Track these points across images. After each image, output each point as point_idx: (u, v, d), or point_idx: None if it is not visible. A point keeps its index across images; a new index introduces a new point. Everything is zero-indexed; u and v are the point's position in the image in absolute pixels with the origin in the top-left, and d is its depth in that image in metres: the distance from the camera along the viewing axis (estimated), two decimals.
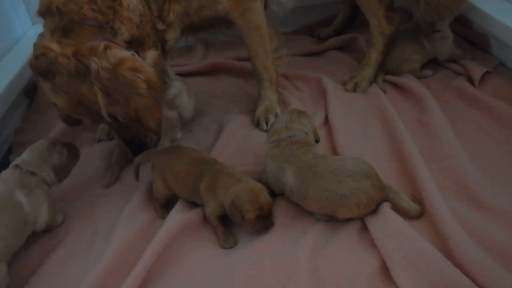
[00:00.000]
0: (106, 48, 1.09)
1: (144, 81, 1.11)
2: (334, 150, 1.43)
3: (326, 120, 1.57)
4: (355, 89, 1.73)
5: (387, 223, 1.09)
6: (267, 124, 1.56)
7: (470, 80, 1.65)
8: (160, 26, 1.31)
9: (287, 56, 1.67)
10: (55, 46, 1.10)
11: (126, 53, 1.12)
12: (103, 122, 1.27)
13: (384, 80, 1.77)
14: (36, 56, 1.12)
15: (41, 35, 1.16)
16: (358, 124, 1.53)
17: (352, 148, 1.39)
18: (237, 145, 1.48)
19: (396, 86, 1.73)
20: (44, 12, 1.15)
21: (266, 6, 1.61)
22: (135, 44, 1.21)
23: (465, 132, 1.45)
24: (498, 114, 1.48)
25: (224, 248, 1.14)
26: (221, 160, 1.31)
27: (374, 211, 1.13)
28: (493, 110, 1.50)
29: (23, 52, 1.82)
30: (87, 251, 1.18)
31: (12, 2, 1.92)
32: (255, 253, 1.10)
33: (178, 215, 1.20)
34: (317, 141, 1.26)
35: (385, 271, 1.03)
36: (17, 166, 1.20)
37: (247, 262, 1.08)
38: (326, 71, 1.85)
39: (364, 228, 1.14)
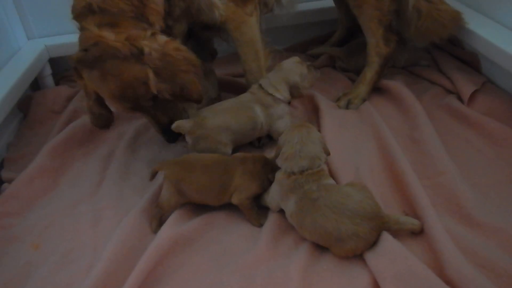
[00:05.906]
0: (153, 34, 1.26)
1: (185, 59, 1.28)
2: (327, 166, 1.43)
3: None
4: (347, 106, 1.74)
5: (378, 242, 1.08)
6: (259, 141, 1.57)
7: (461, 98, 1.67)
8: (169, 22, 1.41)
9: None
10: (108, 35, 1.21)
11: (168, 37, 1.28)
12: (142, 109, 1.33)
13: (379, 89, 1.79)
14: (85, 49, 1.21)
15: (85, 32, 1.24)
16: (351, 140, 1.54)
17: (345, 165, 1.39)
18: None
19: (389, 102, 1.75)
20: (84, 12, 1.25)
21: (270, 10, 1.68)
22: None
23: (456, 149, 1.46)
24: (488, 131, 1.50)
25: (260, 226, 1.23)
26: None
27: None
28: (483, 128, 1.51)
29: (17, 67, 1.82)
30: (77, 267, 1.16)
31: (7, 16, 1.94)
32: (247, 270, 1.09)
33: (170, 230, 1.19)
34: (328, 154, 1.23)
35: None
36: (260, 86, 1.47)
37: (239, 279, 1.07)
38: (319, 88, 1.86)
39: None
